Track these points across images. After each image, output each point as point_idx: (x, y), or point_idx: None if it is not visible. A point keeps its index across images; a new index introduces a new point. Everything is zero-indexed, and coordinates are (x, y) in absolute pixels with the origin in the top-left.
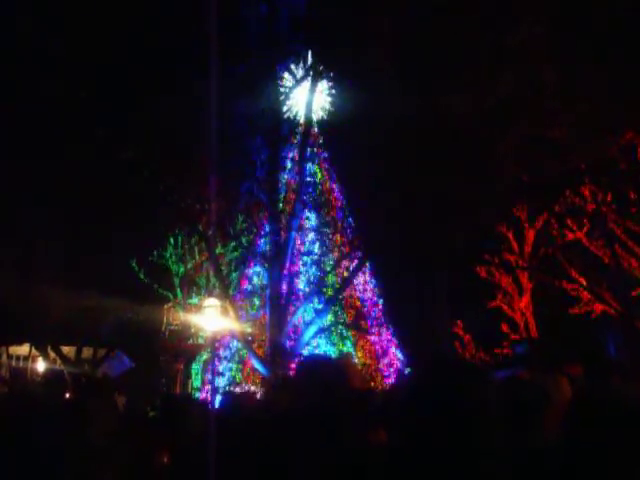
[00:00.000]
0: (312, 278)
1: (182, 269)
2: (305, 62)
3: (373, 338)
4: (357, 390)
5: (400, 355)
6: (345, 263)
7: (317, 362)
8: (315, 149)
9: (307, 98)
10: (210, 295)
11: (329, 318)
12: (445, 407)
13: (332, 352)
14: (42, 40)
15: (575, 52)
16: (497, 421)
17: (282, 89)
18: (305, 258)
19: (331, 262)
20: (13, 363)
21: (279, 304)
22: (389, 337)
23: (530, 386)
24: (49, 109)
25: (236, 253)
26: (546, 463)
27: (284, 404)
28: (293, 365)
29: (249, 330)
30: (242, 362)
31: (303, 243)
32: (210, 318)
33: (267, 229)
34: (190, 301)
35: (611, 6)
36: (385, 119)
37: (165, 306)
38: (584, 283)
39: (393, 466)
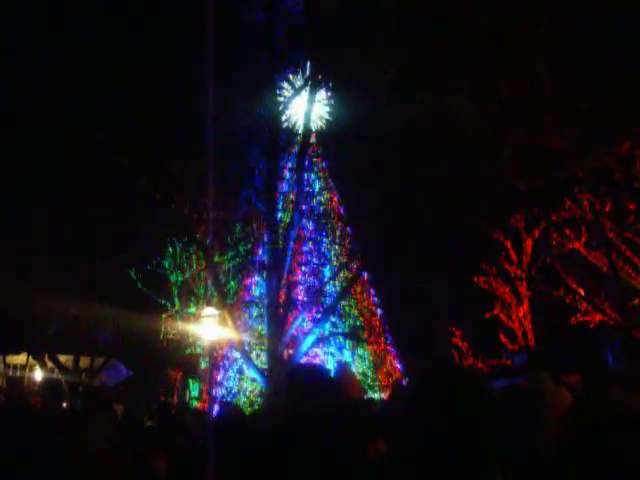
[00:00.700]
0: (310, 288)
1: (180, 278)
2: (304, 72)
3: (371, 348)
4: (352, 399)
5: (398, 365)
6: (343, 273)
7: (307, 371)
8: (314, 159)
9: (306, 108)
10: (208, 304)
11: (327, 328)
12: (445, 415)
13: (330, 362)
14: (43, 44)
15: (575, 58)
16: (498, 428)
17: (281, 99)
18: (303, 268)
19: (329, 272)
20: (10, 372)
21: (277, 314)
22: (387, 347)
23: (528, 394)
24: (50, 114)
25: (234, 262)
26: (545, 469)
27: (279, 413)
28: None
29: (247, 340)
30: (240, 372)
31: (301, 253)
32: (208, 328)
33: (265, 238)
34: (188, 310)
35: (611, 6)
36: (385, 128)
37: (163, 315)
38: (582, 293)
39: (393, 475)
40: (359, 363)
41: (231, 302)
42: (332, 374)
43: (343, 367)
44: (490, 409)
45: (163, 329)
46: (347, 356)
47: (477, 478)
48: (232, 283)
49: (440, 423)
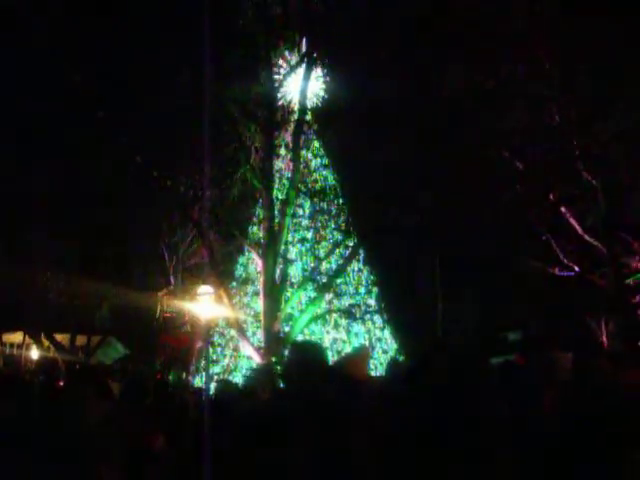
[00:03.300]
0: (306, 265)
1: (176, 256)
2: (300, 49)
3: (367, 326)
4: (353, 376)
5: (394, 342)
6: (339, 250)
7: (302, 348)
8: (309, 136)
9: (301, 85)
10: (204, 282)
11: (323, 305)
12: (444, 390)
13: (326, 339)
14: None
15: (574, 39)
16: (496, 403)
17: (276, 76)
18: (299, 245)
19: (325, 249)
20: (7, 351)
21: (273, 291)
22: (383, 324)
23: (525, 370)
24: (49, 95)
25: (230, 240)
26: (546, 437)
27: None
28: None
29: (243, 318)
30: (236, 350)
31: (297, 230)
32: (204, 306)
33: (261, 216)
34: (184, 288)
35: None
36: (381, 103)
37: (159, 293)
38: (577, 270)
39: (392, 450)
40: (355, 341)
41: (227, 280)
42: (327, 352)
43: (358, 348)
44: (488, 385)
45: (159, 307)
46: (343, 334)
47: (477, 450)
48: (228, 261)
49: (440, 398)
